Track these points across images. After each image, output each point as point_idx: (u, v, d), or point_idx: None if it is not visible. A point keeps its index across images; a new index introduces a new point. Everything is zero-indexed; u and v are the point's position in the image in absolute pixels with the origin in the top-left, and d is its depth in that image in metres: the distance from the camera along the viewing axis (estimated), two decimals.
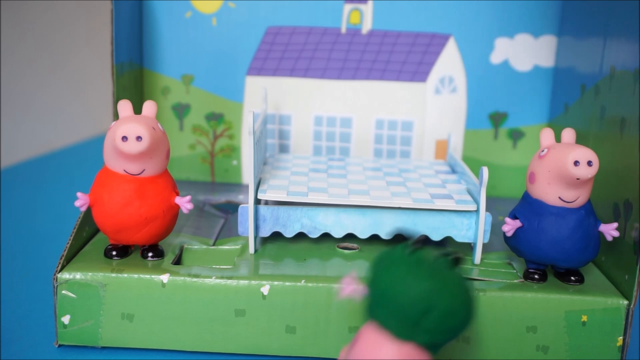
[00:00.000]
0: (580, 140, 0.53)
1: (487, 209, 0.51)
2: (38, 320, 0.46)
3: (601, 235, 0.44)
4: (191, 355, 0.43)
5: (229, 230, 0.52)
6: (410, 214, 0.47)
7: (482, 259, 0.47)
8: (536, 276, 0.45)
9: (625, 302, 0.42)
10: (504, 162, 0.65)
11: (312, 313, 0.42)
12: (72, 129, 1.07)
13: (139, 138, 0.40)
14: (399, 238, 0.48)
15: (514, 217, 0.45)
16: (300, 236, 0.49)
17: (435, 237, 0.47)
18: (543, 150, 0.44)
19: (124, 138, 0.40)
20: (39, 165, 0.88)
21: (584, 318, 0.42)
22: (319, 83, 0.64)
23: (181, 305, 0.42)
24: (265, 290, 0.42)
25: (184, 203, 0.44)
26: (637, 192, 0.44)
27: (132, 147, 0.40)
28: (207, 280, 0.42)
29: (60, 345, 0.43)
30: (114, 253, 0.44)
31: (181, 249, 0.47)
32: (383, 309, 0.31)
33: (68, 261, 0.44)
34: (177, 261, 0.46)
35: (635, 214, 0.44)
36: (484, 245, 0.48)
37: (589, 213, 0.44)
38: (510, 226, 0.45)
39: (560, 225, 0.43)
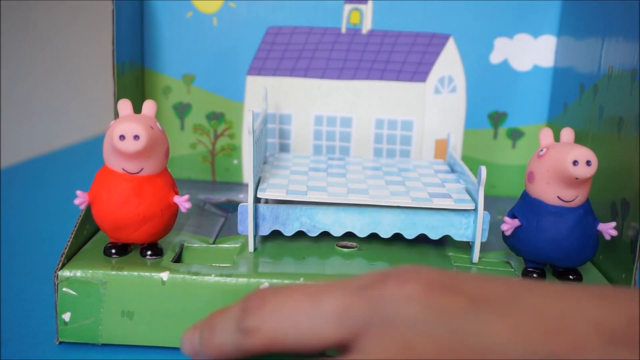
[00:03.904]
0: (579, 139, 0.53)
1: (486, 208, 0.51)
2: (39, 317, 0.46)
3: (599, 234, 0.44)
4: None
5: (229, 229, 0.52)
6: (409, 213, 0.47)
7: (480, 258, 0.48)
8: (534, 275, 0.45)
9: None
10: (503, 162, 0.65)
11: None
12: (72, 129, 1.07)
13: (136, 137, 0.40)
14: (398, 237, 0.48)
15: (512, 216, 0.46)
16: (300, 235, 0.49)
17: (434, 235, 0.47)
18: (542, 150, 0.44)
19: (122, 137, 0.40)
20: (39, 165, 0.88)
21: None
22: (319, 83, 0.64)
23: (181, 302, 0.42)
24: (264, 288, 0.42)
25: (182, 202, 0.44)
26: (634, 191, 0.44)
27: (130, 145, 0.40)
28: (206, 278, 0.42)
29: (60, 343, 0.43)
30: (113, 251, 0.45)
31: (181, 247, 0.48)
32: None
33: (69, 259, 0.44)
34: (177, 259, 0.47)
35: (633, 213, 0.44)
36: (483, 244, 0.48)
37: (588, 212, 0.44)
38: (509, 225, 0.45)
39: (559, 225, 0.43)
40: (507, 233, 0.45)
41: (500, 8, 0.62)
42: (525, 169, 0.46)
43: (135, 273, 0.42)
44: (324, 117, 0.65)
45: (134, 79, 0.60)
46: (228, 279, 0.42)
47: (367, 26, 0.63)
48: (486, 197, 0.53)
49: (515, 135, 0.65)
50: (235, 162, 0.66)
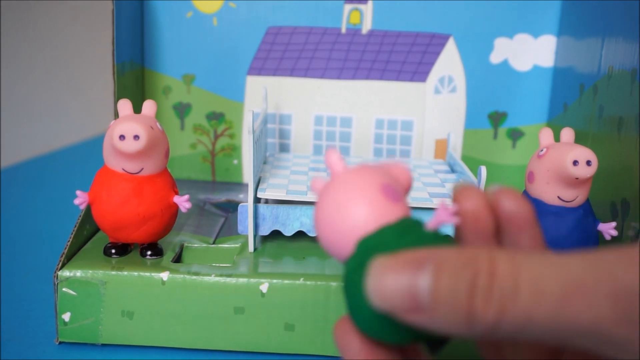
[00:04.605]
0: (579, 139, 0.53)
1: None
2: (39, 317, 0.46)
3: (599, 234, 0.44)
4: (190, 352, 0.43)
5: (229, 229, 0.52)
6: None
7: None
8: None
9: None
10: (503, 162, 0.65)
11: (310, 311, 0.42)
12: (72, 129, 1.07)
13: (136, 137, 0.40)
14: None
15: None
16: (300, 235, 0.49)
17: None
18: (542, 150, 0.44)
19: (122, 137, 0.40)
20: (39, 165, 0.88)
21: None
22: (319, 83, 0.64)
23: (181, 302, 0.42)
24: (264, 288, 0.42)
25: (182, 202, 0.44)
26: (634, 191, 0.44)
27: (130, 145, 0.40)
28: (206, 278, 0.42)
29: (60, 343, 0.43)
30: (113, 251, 0.45)
31: (181, 247, 0.48)
32: None
33: (69, 259, 0.44)
34: (178, 259, 0.47)
35: (633, 213, 0.44)
36: None
37: (588, 212, 0.44)
38: None
39: (559, 225, 0.43)
40: None
41: (500, 8, 0.62)
42: (525, 169, 0.46)
43: (135, 273, 0.42)
44: (324, 117, 0.65)
45: (134, 79, 0.60)
46: (228, 279, 0.42)
47: (367, 26, 0.63)
48: None
49: (515, 135, 0.65)
50: (235, 162, 0.66)
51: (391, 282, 0.23)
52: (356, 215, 0.25)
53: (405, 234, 0.25)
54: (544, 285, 0.21)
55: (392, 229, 0.25)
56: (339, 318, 0.28)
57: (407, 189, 0.27)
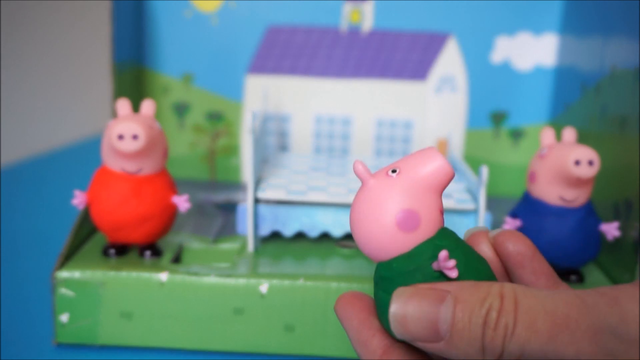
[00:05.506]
0: (581, 139, 0.53)
1: (487, 208, 0.51)
2: (37, 318, 0.46)
3: (601, 234, 0.44)
4: (189, 353, 0.43)
5: (228, 229, 0.52)
6: None
7: None
8: None
9: None
10: (504, 162, 0.65)
11: (310, 312, 0.42)
12: (71, 128, 1.07)
13: (135, 137, 0.40)
14: None
15: (514, 216, 0.45)
16: (300, 235, 0.49)
17: None
18: (544, 150, 0.43)
19: (120, 137, 0.40)
20: (38, 165, 0.88)
21: None
22: (320, 82, 0.64)
23: (180, 303, 0.42)
24: (263, 288, 0.41)
25: (182, 202, 0.44)
26: (637, 191, 0.44)
27: (128, 145, 0.40)
28: (205, 279, 0.42)
29: (58, 344, 0.43)
30: (112, 251, 0.44)
31: (180, 248, 0.47)
32: None
33: (67, 259, 0.44)
34: (177, 259, 0.46)
35: (635, 213, 0.44)
36: None
37: (590, 212, 0.44)
38: (510, 225, 0.44)
39: (561, 225, 0.43)
40: None
41: (502, 7, 0.62)
42: (526, 169, 0.45)
43: (134, 274, 0.42)
44: (324, 116, 0.65)
45: (133, 78, 0.60)
46: (227, 279, 0.42)
47: (367, 25, 0.63)
48: (487, 197, 0.53)
49: (516, 135, 0.65)
50: (235, 162, 0.66)
51: (413, 312, 0.25)
52: (373, 244, 0.27)
53: (411, 272, 0.27)
54: (536, 321, 0.24)
55: (401, 262, 0.27)
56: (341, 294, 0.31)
57: (445, 184, 0.28)
